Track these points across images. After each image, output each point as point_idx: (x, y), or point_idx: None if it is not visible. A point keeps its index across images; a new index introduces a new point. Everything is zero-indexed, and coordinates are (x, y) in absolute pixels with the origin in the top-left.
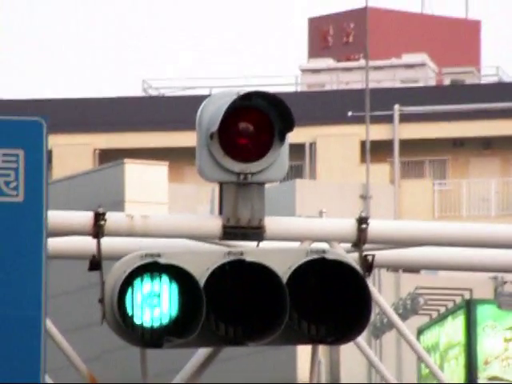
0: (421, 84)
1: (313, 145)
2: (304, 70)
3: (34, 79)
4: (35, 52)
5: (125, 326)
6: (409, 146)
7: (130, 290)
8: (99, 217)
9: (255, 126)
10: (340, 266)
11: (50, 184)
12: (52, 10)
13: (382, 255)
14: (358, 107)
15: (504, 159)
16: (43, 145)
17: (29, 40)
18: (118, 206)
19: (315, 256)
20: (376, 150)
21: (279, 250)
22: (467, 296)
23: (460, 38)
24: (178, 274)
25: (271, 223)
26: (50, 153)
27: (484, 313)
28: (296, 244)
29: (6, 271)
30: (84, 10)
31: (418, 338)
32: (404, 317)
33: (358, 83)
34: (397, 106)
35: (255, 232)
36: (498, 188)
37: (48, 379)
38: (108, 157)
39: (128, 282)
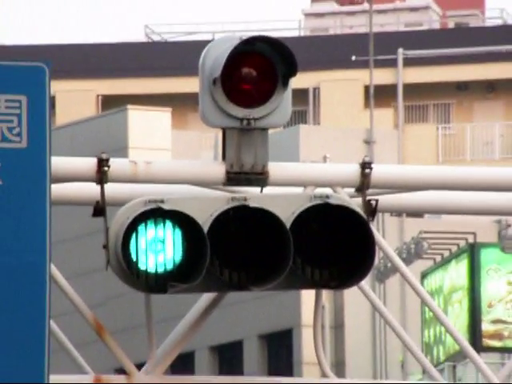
0: (425, 27)
1: (316, 90)
2: (307, 14)
3: (36, 25)
4: None
5: (129, 271)
6: (413, 90)
7: (134, 236)
8: (103, 163)
9: (258, 71)
10: (343, 211)
11: (54, 130)
12: None
13: (385, 200)
14: (361, 51)
15: (508, 103)
16: (46, 90)
17: None
18: (122, 152)
19: (319, 201)
20: (380, 95)
21: (283, 196)
22: (471, 240)
23: None
24: (182, 220)
25: (275, 169)
26: (52, 99)
27: (488, 256)
28: (299, 189)
29: (10, 218)
30: None
31: (421, 282)
32: (408, 261)
33: (361, 27)
34: (400, 50)
35: (259, 178)
36: (502, 131)
37: (53, 325)
38: (111, 103)
39: (132, 227)
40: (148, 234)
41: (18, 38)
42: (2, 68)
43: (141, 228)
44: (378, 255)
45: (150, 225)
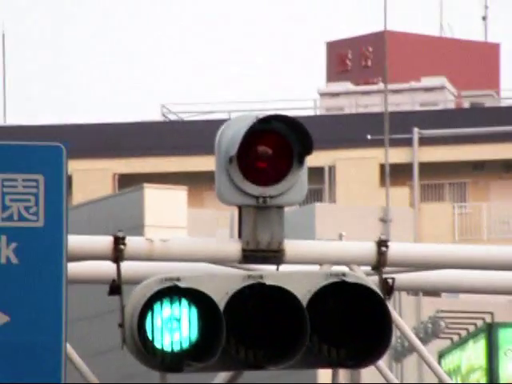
0: (440, 107)
1: (332, 168)
2: (323, 94)
3: (54, 105)
4: (55, 77)
5: (145, 350)
6: (428, 169)
7: (149, 314)
8: (119, 241)
9: (274, 150)
10: (360, 290)
11: (70, 209)
12: (71, 33)
13: (402, 278)
14: (376, 130)
15: None
16: (63, 170)
17: (47, 65)
18: (138, 230)
19: (335, 279)
20: (395, 174)
21: (299, 274)
22: (488, 319)
23: (479, 60)
24: (198, 298)
25: (291, 246)
26: (69, 178)
27: (506, 336)
28: (316, 267)
29: (27, 296)
30: (101, 34)
31: (439, 362)
32: (425, 340)
33: (376, 106)
34: (416, 129)
35: (275, 255)
36: None
37: None
38: (127, 181)
39: (148, 306)
40: (164, 312)
41: (36, 119)
42: (20, 148)
43: (156, 306)
44: (395, 334)
45: (166, 303)
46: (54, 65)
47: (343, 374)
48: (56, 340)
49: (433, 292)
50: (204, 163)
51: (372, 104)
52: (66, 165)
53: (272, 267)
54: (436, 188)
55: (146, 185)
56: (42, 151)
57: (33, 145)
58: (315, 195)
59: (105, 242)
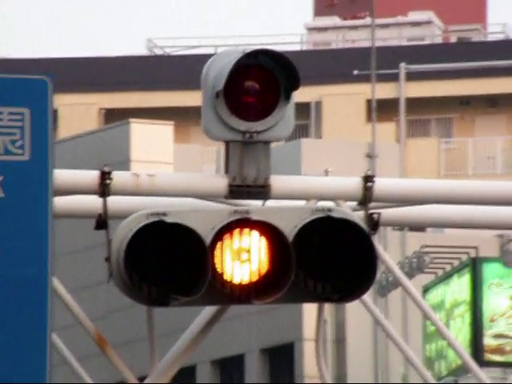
0: (427, 42)
1: (318, 104)
2: (310, 29)
3: (39, 38)
4: (40, 11)
5: (131, 284)
6: (415, 104)
7: (136, 249)
8: (105, 175)
9: (261, 85)
10: (346, 225)
11: (56, 144)
12: None
13: (387, 213)
14: (363, 66)
15: (510, 117)
16: (49, 103)
17: None
18: (124, 165)
19: (321, 214)
20: (382, 109)
21: (285, 209)
22: (473, 254)
23: None
24: (184, 233)
25: (277, 182)
26: (55, 112)
27: (490, 271)
28: (302, 202)
29: (12, 230)
30: None
31: (423, 297)
32: (410, 275)
33: (363, 41)
34: (403, 64)
35: (261, 191)
36: (504, 146)
37: (55, 338)
38: (113, 116)
39: (134, 240)
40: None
41: (21, 52)
42: (5, 81)
43: (143, 240)
44: (380, 269)
45: (153, 237)
46: None
47: (328, 309)
48: (42, 272)
49: (418, 227)
50: (190, 98)
51: (359, 39)
52: (52, 98)
53: (258, 202)
54: (422, 123)
55: (132, 120)
56: (27, 84)
57: (18, 78)
58: (301, 131)
59: (91, 176)
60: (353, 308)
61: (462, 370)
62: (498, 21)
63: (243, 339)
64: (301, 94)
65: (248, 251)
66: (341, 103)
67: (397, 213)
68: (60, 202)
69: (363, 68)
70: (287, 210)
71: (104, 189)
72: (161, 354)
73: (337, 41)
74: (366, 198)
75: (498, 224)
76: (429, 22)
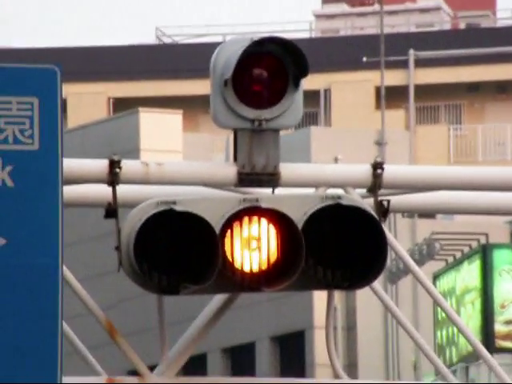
0: (436, 28)
1: (327, 91)
2: (318, 16)
3: (47, 27)
4: (48, 0)
5: (141, 272)
6: (424, 91)
7: (146, 237)
8: (114, 164)
9: (269, 72)
10: (355, 212)
11: (65, 133)
12: None
13: (397, 200)
14: (372, 53)
15: None
16: (58, 93)
17: None
18: (133, 154)
19: (330, 202)
20: (391, 96)
21: (294, 197)
22: (483, 240)
23: None
24: (194, 221)
25: (286, 170)
26: (64, 101)
27: (500, 257)
28: (311, 190)
29: (22, 220)
30: None
31: (434, 283)
32: (420, 262)
33: (372, 28)
34: (412, 51)
35: (270, 178)
36: None
37: (66, 327)
38: (122, 105)
39: (144, 228)
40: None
41: (29, 41)
42: (14, 70)
43: (153, 229)
44: (390, 256)
45: (162, 226)
46: None
47: (338, 296)
48: (53, 262)
49: (428, 214)
50: (199, 87)
51: (368, 26)
52: (61, 87)
53: (268, 190)
54: (431, 110)
55: (141, 109)
56: (36, 74)
57: (27, 67)
58: (311, 118)
59: (100, 165)
60: (363, 295)
61: (473, 356)
62: (508, 6)
63: (254, 327)
64: (309, 82)
65: (258, 239)
66: (350, 91)
67: (406, 200)
68: (69, 191)
69: (372, 55)
70: (297, 197)
71: (113, 178)
72: (171, 343)
73: (345, 28)
74: (375, 185)
75: (508, 210)
76: (437, 9)
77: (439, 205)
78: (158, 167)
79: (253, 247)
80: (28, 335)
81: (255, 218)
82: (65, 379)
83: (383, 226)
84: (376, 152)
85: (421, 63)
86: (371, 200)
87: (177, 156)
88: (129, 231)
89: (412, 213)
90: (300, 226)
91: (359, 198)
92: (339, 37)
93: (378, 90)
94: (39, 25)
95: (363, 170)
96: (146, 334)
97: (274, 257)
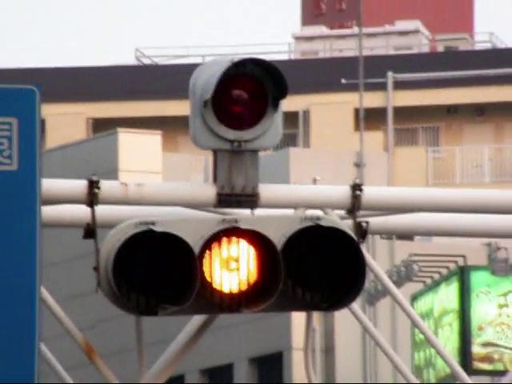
0: (414, 51)
1: (306, 113)
2: (297, 38)
3: (27, 48)
4: (28, 21)
5: (120, 293)
6: (402, 113)
7: (124, 258)
8: (93, 185)
9: (249, 94)
10: (334, 233)
11: (44, 153)
12: None
13: (375, 222)
14: (351, 75)
15: (497, 126)
16: (36, 113)
17: (20, 8)
18: (112, 174)
19: (309, 223)
20: (370, 118)
21: (273, 218)
22: (461, 262)
23: (453, 4)
24: (173, 242)
25: (265, 190)
26: (43, 122)
27: (478, 279)
28: (290, 211)
29: (1, 240)
30: None
31: (412, 305)
32: (398, 284)
33: (351, 50)
34: (390, 73)
35: (249, 199)
36: (492, 155)
37: (43, 348)
38: (101, 126)
39: (123, 249)
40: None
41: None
42: None
43: (131, 250)
44: (369, 277)
45: (141, 247)
46: (28, 8)
47: (317, 317)
48: (30, 283)
49: (406, 235)
50: (178, 107)
51: (347, 48)
52: (40, 108)
53: (247, 211)
54: (410, 132)
55: (119, 129)
56: (15, 94)
57: (6, 87)
58: (290, 139)
59: (79, 185)
60: (341, 317)
61: (451, 378)
62: (485, 30)
63: (232, 348)
64: (289, 103)
65: (237, 260)
66: (329, 112)
67: (385, 221)
68: (48, 211)
69: (351, 77)
70: (276, 218)
71: (92, 198)
72: (150, 364)
73: (324, 50)
74: (354, 206)
75: (486, 232)
76: (416, 31)
77: (417, 226)
78: (137, 188)
79: (232, 268)
80: (4, 355)
81: (234, 239)
82: None
83: (362, 247)
84: (355, 173)
85: (399, 85)
86: (350, 221)
87: (156, 176)
88: (107, 252)
89: (390, 234)
90: (279, 247)
91: (338, 220)
92: (318, 59)
93: (356, 111)
94: (18, 45)
95: (342, 192)
96: (124, 355)
97: (252, 278)
